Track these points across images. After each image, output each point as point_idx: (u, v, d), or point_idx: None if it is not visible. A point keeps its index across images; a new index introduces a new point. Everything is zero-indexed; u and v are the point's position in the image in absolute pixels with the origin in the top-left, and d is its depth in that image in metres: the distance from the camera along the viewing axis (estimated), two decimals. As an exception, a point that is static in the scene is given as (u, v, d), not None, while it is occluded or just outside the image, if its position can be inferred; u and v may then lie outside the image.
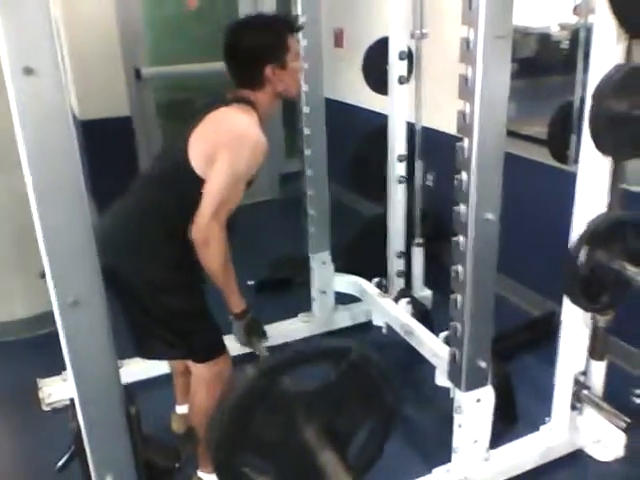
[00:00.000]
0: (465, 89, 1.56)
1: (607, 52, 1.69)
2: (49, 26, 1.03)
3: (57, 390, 2.58)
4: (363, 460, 1.58)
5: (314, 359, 1.50)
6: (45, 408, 2.57)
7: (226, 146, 1.78)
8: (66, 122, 1.10)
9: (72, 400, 1.39)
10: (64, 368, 2.49)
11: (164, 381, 2.47)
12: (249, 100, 1.89)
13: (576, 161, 1.90)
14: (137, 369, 2.48)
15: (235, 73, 1.92)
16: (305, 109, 2.67)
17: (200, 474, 2.09)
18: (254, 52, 1.87)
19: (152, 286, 1.87)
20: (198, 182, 1.81)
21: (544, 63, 3.45)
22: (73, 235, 1.19)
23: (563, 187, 2.00)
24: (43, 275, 1.29)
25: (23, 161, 1.12)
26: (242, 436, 1.40)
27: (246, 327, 1.94)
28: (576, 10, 2.86)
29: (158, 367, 2.51)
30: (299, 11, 2.54)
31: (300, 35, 2.56)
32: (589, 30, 2.51)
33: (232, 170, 1.78)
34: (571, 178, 1.93)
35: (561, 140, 2.73)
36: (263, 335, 1.97)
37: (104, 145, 2.69)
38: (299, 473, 1.48)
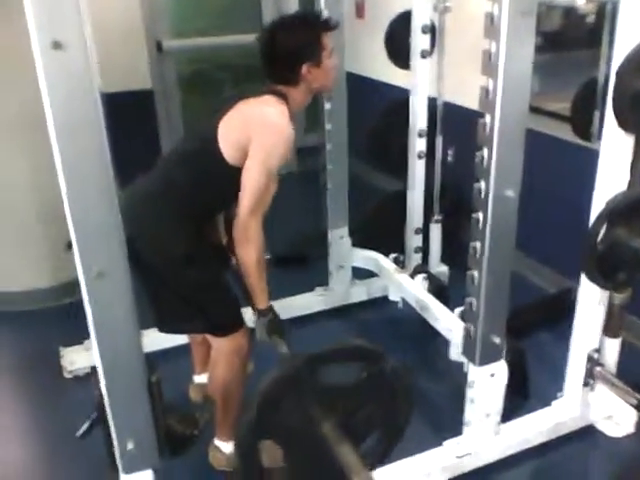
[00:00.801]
0: (488, 65, 1.55)
1: (633, 29, 1.66)
2: (77, 0, 1.04)
3: (79, 358, 2.63)
4: (375, 456, 1.67)
5: (352, 357, 1.57)
6: (67, 376, 2.63)
7: (258, 136, 1.82)
8: (93, 96, 1.12)
9: (95, 368, 1.43)
10: (86, 337, 2.57)
11: (182, 351, 2.51)
12: (282, 93, 1.92)
13: (599, 138, 1.88)
14: (157, 339, 2.51)
15: (271, 72, 1.95)
16: (329, 82, 2.66)
17: (217, 442, 2.14)
18: (291, 52, 1.90)
19: (172, 260, 1.90)
20: (225, 165, 1.85)
21: (569, 37, 3.39)
22: (99, 208, 1.22)
23: (585, 164, 1.99)
24: (69, 246, 1.32)
25: (51, 135, 1.14)
26: (270, 417, 1.46)
27: (269, 325, 1.96)
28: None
29: (176, 337, 2.54)
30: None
31: (322, 5, 2.55)
32: (615, 4, 2.48)
33: (266, 162, 1.82)
34: (593, 155, 1.92)
35: (584, 117, 2.70)
36: (285, 334, 1.99)
37: (126, 118, 2.70)
38: (312, 461, 1.54)
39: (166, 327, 2.09)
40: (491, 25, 1.51)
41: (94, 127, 1.16)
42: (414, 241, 3.01)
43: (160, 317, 2.04)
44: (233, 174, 1.85)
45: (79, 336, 2.58)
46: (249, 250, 1.86)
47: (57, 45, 1.05)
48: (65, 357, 2.66)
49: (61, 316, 3.05)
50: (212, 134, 1.86)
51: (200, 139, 1.98)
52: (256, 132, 1.82)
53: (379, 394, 1.56)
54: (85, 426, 1.73)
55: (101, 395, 1.44)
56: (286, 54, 1.91)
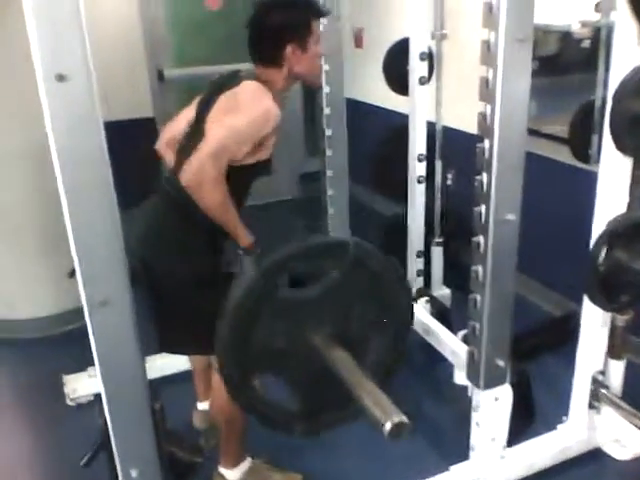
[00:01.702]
0: (486, 91, 1.57)
1: (628, 53, 1.69)
2: (81, 33, 1.06)
3: (82, 386, 2.62)
4: (383, 367, 1.47)
5: (313, 255, 1.39)
6: (69, 403, 2.62)
7: (238, 106, 1.79)
8: (97, 126, 1.14)
9: (98, 396, 1.43)
10: (89, 364, 2.57)
11: (185, 378, 2.50)
12: (262, 79, 1.88)
13: (597, 160, 1.90)
14: (160, 365, 2.52)
15: (255, 48, 1.92)
16: (326, 110, 2.70)
17: (222, 470, 2.12)
18: (278, 29, 1.88)
19: (181, 280, 1.88)
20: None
21: (565, 61, 3.43)
22: (103, 236, 1.22)
23: (584, 186, 2.00)
24: (71, 274, 1.32)
25: (55, 163, 1.15)
26: (247, 343, 1.31)
27: (256, 259, 1.91)
28: (598, 7, 2.84)
29: (179, 364, 2.55)
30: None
31: (321, 29, 2.57)
32: (610, 29, 2.52)
33: (234, 124, 1.76)
34: (592, 177, 1.93)
35: (582, 139, 2.72)
36: None
37: (127, 145, 2.72)
38: (312, 380, 1.39)
39: (171, 347, 2.07)
40: (488, 52, 1.53)
41: (97, 156, 1.17)
42: (416, 264, 3.01)
43: (166, 336, 2.02)
44: (235, 174, 1.80)
45: (82, 363, 2.57)
46: (207, 193, 1.73)
47: (61, 77, 1.06)
48: (68, 385, 2.65)
49: (64, 343, 3.05)
50: (202, 139, 1.80)
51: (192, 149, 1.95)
52: (232, 106, 1.80)
53: (363, 285, 1.37)
54: (89, 454, 1.72)
55: (105, 423, 1.44)
56: (273, 31, 1.88)
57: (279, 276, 1.32)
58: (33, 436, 2.58)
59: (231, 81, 1.90)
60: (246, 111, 1.79)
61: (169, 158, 2.09)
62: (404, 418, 1.08)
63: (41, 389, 2.78)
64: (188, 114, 2.03)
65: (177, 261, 1.89)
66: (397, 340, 1.48)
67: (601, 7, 2.77)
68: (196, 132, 1.88)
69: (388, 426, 1.07)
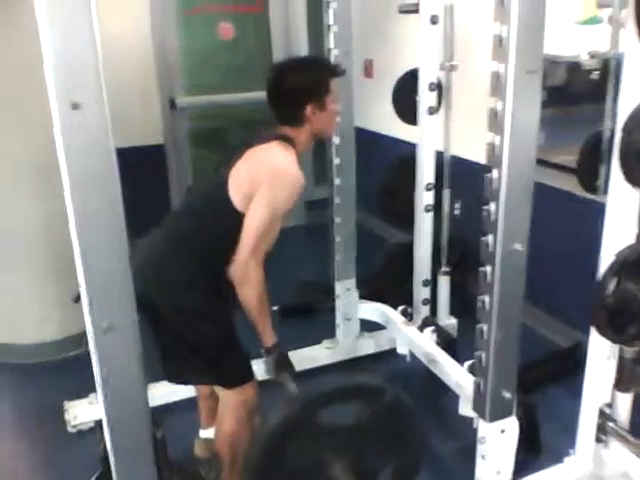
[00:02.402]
0: (495, 122, 1.57)
1: (638, 85, 1.70)
2: (96, 62, 1.08)
3: (83, 412, 2.61)
4: None
5: (351, 396, 1.54)
6: (70, 430, 2.60)
7: (266, 181, 1.84)
8: (109, 153, 1.15)
9: (100, 424, 1.42)
10: (90, 391, 2.55)
11: (188, 405, 2.48)
12: (288, 137, 1.95)
13: (605, 192, 1.89)
14: (162, 393, 2.50)
15: (277, 110, 1.99)
16: (336, 139, 2.72)
17: (224, 500, 2.09)
18: (297, 91, 1.95)
19: (185, 314, 1.90)
20: (236, 216, 1.87)
21: (574, 92, 3.45)
22: (111, 262, 1.22)
23: (592, 217, 2.00)
24: (76, 299, 1.32)
25: (65, 189, 1.16)
26: (275, 464, 1.43)
27: (277, 361, 1.97)
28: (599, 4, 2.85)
29: (182, 391, 2.52)
30: (331, 44, 2.60)
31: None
32: (619, 60, 2.53)
33: (270, 205, 1.84)
34: (599, 208, 1.93)
35: (590, 170, 2.73)
36: (293, 371, 1.99)
37: (137, 172, 2.75)
38: None
39: (175, 377, 2.08)
40: (497, 84, 1.54)
41: (108, 183, 1.18)
42: (422, 293, 3.01)
43: (170, 367, 2.02)
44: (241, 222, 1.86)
45: (84, 390, 2.57)
46: (249, 289, 1.86)
47: (76, 106, 1.08)
48: (69, 411, 2.63)
49: (66, 369, 3.04)
50: (222, 185, 1.89)
51: (210, 190, 2.00)
52: (264, 177, 1.85)
53: (388, 428, 1.53)
54: (91, 482, 1.70)
55: (105, 450, 1.42)
56: (292, 92, 1.95)
57: (317, 411, 1.47)
58: (33, 462, 2.56)
59: (260, 140, 1.95)
60: (278, 184, 1.86)
61: None
62: None
63: (42, 415, 2.76)
64: None
65: (180, 296, 1.91)
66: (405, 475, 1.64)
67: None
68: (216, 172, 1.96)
69: None
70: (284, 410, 1.47)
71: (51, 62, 1.05)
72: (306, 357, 2.96)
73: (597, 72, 3.13)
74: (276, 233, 1.91)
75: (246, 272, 1.85)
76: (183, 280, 1.91)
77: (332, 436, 1.48)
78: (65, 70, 1.06)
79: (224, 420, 2.05)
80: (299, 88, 1.95)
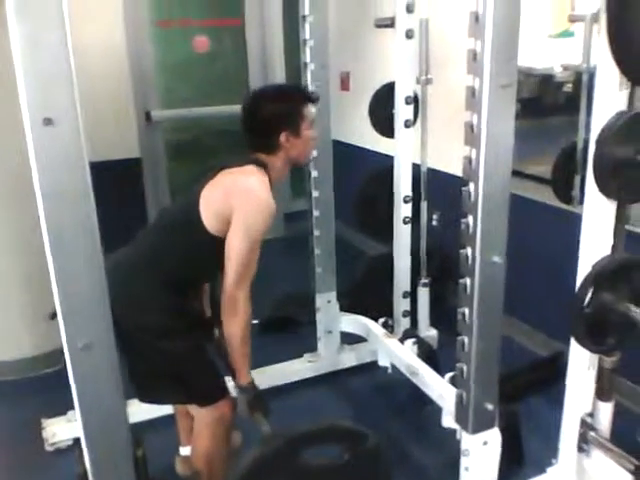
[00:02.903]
0: (470, 136, 1.59)
1: (610, 98, 1.72)
2: (69, 78, 1.07)
3: (61, 430, 2.56)
4: None
5: (335, 439, 1.54)
6: (48, 448, 2.55)
7: (241, 208, 1.84)
8: (82, 169, 1.14)
9: (79, 442, 1.39)
10: (69, 408, 2.51)
11: (167, 422, 2.45)
12: (263, 162, 1.96)
13: (581, 202, 1.91)
14: (141, 409, 2.44)
15: (251, 139, 2.00)
16: (313, 152, 2.72)
17: (205, 518, 2.07)
18: (271, 119, 1.96)
19: (151, 332, 1.89)
20: (207, 236, 1.87)
21: (547, 104, 3.50)
22: (86, 279, 1.21)
23: (567, 227, 2.02)
24: (52, 316, 1.30)
25: (39, 204, 1.15)
26: None
27: (251, 401, 1.94)
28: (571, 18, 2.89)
29: (162, 408, 2.49)
30: (307, 58, 2.61)
31: (309, 77, 2.63)
32: (592, 73, 2.57)
33: (248, 232, 1.84)
34: (575, 218, 1.95)
35: (565, 181, 2.76)
36: (266, 411, 1.96)
37: (113, 185, 2.74)
38: None
39: (147, 398, 2.05)
40: (472, 98, 1.55)
41: (82, 198, 1.17)
42: (402, 305, 3.01)
43: (141, 387, 1.99)
44: (215, 244, 1.86)
45: (61, 407, 2.53)
46: (236, 323, 1.86)
47: (48, 121, 1.07)
48: (47, 429, 2.58)
49: (43, 386, 2.99)
50: (194, 204, 1.89)
51: (182, 209, 2.00)
52: (238, 203, 1.84)
53: (364, 473, 1.54)
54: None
55: (84, 469, 1.40)
56: (266, 121, 1.96)
57: (297, 451, 1.46)
58: (11, 482, 2.51)
59: (235, 163, 1.96)
60: (252, 217, 1.85)
61: None
62: None
63: (19, 433, 2.71)
64: None
65: (143, 315, 1.90)
66: None
67: (574, 17, 2.82)
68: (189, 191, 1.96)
69: None
70: (265, 446, 1.48)
71: (23, 78, 1.04)
72: (287, 371, 2.95)
73: (570, 84, 3.18)
74: (256, 261, 1.89)
75: (234, 305, 1.84)
76: (147, 298, 1.91)
77: (309, 475, 1.48)
78: (37, 85, 1.05)
79: (199, 437, 2.03)
80: (273, 117, 1.96)
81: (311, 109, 2.02)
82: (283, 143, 1.96)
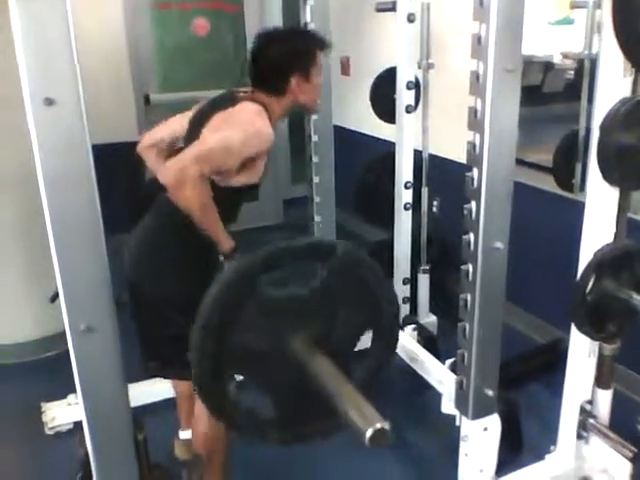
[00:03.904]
0: (474, 121, 1.58)
1: (613, 85, 1.71)
2: (71, 58, 1.05)
3: (61, 414, 2.57)
4: (368, 373, 1.43)
5: (299, 255, 1.30)
6: (48, 432, 2.55)
7: (229, 121, 1.78)
8: (84, 150, 1.13)
9: (79, 424, 1.39)
10: (69, 392, 2.51)
11: (168, 405, 2.45)
12: (262, 103, 1.88)
13: (581, 189, 1.91)
14: (142, 393, 2.47)
15: (260, 78, 1.92)
16: (314, 137, 2.71)
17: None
18: (283, 60, 1.88)
19: (171, 302, 1.85)
20: (212, 188, 1.76)
21: (548, 92, 3.48)
22: (88, 261, 1.20)
23: (568, 215, 2.02)
24: (53, 299, 1.30)
25: (41, 187, 1.14)
26: (221, 340, 1.23)
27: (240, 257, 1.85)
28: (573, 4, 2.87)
29: (163, 392, 2.50)
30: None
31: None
32: (593, 60, 2.56)
33: (226, 135, 1.75)
34: (576, 206, 1.94)
35: (566, 169, 2.75)
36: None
37: (113, 169, 2.71)
38: (290, 386, 1.30)
39: (155, 370, 2.02)
40: (477, 82, 1.54)
41: (85, 181, 1.16)
42: (402, 291, 3.01)
43: (151, 358, 1.97)
44: (223, 195, 1.79)
45: (61, 391, 2.53)
46: (187, 194, 1.68)
47: (50, 102, 1.05)
48: (47, 413, 2.58)
49: (43, 370, 2.99)
50: None
51: None
52: (230, 122, 1.79)
53: (349, 289, 1.31)
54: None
55: (86, 453, 1.40)
56: (278, 62, 1.89)
57: (260, 274, 1.22)
58: (10, 466, 2.51)
59: (228, 101, 1.88)
60: (240, 126, 1.78)
61: (151, 160, 2.13)
62: (386, 425, 1.04)
63: (19, 417, 2.71)
64: (180, 121, 2.05)
65: (168, 280, 1.85)
66: (383, 346, 1.45)
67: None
68: (187, 144, 1.87)
69: (369, 433, 1.04)
70: (224, 277, 1.21)
71: (24, 57, 1.03)
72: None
73: (571, 71, 3.16)
74: (226, 167, 1.77)
75: (183, 173, 1.67)
76: (163, 262, 1.86)
77: (286, 306, 1.26)
78: (38, 65, 1.04)
79: (200, 421, 2.02)
80: (285, 58, 1.89)
81: (322, 56, 1.96)
82: (293, 86, 1.89)
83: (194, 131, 1.87)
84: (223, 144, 1.75)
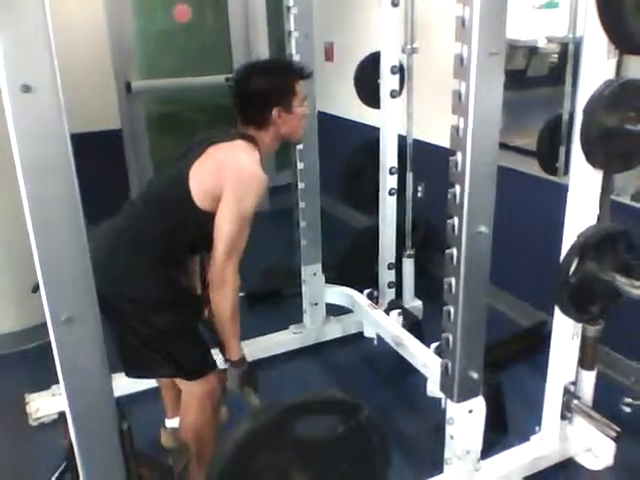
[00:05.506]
0: (458, 105, 1.57)
1: (597, 67, 1.71)
2: (48, 44, 1.03)
3: (45, 404, 2.55)
4: None
5: (328, 410, 1.52)
6: (32, 423, 2.54)
7: (230, 183, 1.82)
8: (63, 139, 1.10)
9: (64, 417, 1.38)
10: (52, 382, 2.49)
11: (152, 394, 2.45)
12: (252, 137, 1.94)
13: (565, 173, 1.91)
14: (126, 383, 2.44)
15: (242, 112, 1.97)
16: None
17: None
18: (263, 94, 1.93)
19: (139, 306, 1.87)
20: (196, 210, 1.84)
21: (532, 75, 3.48)
22: (68, 251, 1.19)
23: (552, 198, 2.02)
24: (35, 289, 1.28)
25: (19, 176, 1.12)
26: (242, 472, 1.40)
27: (241, 376, 1.94)
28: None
29: (145, 381, 2.48)
30: (291, 26, 2.57)
31: (293, 49, 2.59)
32: (577, 44, 2.56)
33: (239, 207, 1.81)
34: (560, 189, 1.95)
35: (550, 152, 2.76)
36: (256, 385, 1.96)
37: (94, 157, 2.70)
38: None
39: (133, 372, 2.03)
40: (460, 66, 1.53)
41: (63, 169, 1.14)
42: (387, 276, 3.02)
43: (127, 362, 1.97)
44: (204, 219, 1.84)
45: (45, 381, 2.52)
46: (224, 296, 1.84)
47: (27, 88, 1.03)
48: (31, 403, 2.57)
49: (26, 361, 2.97)
50: (184, 180, 1.85)
51: (170, 183, 1.96)
52: (229, 178, 1.82)
53: (357, 447, 1.52)
54: (55, 475, 1.66)
55: (70, 443, 1.39)
56: (258, 96, 1.94)
57: (290, 422, 1.43)
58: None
59: (223, 138, 1.93)
60: (242, 192, 1.82)
61: None
62: None
63: (3, 408, 2.69)
64: None
65: (131, 287, 1.87)
66: None
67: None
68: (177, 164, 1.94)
69: None
70: (257, 416, 1.44)
71: (1, 43, 1.00)
72: (273, 343, 2.95)
73: (555, 55, 3.16)
74: (246, 236, 1.87)
75: (223, 276, 1.82)
76: (134, 270, 1.88)
77: (300, 447, 1.46)
78: (15, 51, 1.01)
79: (188, 412, 2.03)
80: (265, 92, 1.93)
81: (303, 85, 1.99)
82: (274, 119, 1.93)
83: (186, 160, 1.91)
84: (239, 217, 1.82)
